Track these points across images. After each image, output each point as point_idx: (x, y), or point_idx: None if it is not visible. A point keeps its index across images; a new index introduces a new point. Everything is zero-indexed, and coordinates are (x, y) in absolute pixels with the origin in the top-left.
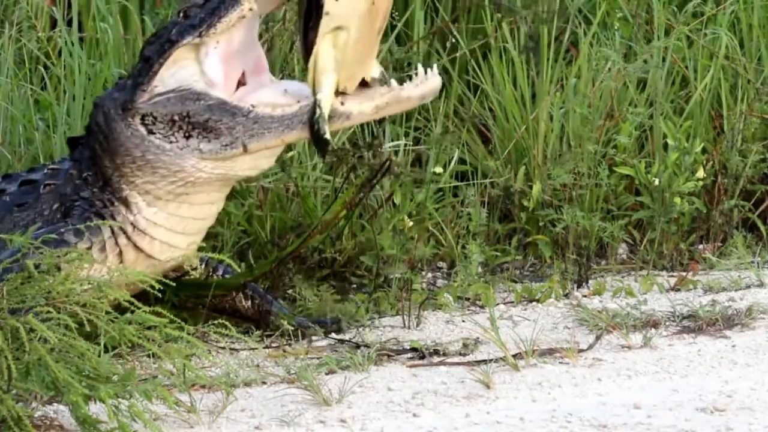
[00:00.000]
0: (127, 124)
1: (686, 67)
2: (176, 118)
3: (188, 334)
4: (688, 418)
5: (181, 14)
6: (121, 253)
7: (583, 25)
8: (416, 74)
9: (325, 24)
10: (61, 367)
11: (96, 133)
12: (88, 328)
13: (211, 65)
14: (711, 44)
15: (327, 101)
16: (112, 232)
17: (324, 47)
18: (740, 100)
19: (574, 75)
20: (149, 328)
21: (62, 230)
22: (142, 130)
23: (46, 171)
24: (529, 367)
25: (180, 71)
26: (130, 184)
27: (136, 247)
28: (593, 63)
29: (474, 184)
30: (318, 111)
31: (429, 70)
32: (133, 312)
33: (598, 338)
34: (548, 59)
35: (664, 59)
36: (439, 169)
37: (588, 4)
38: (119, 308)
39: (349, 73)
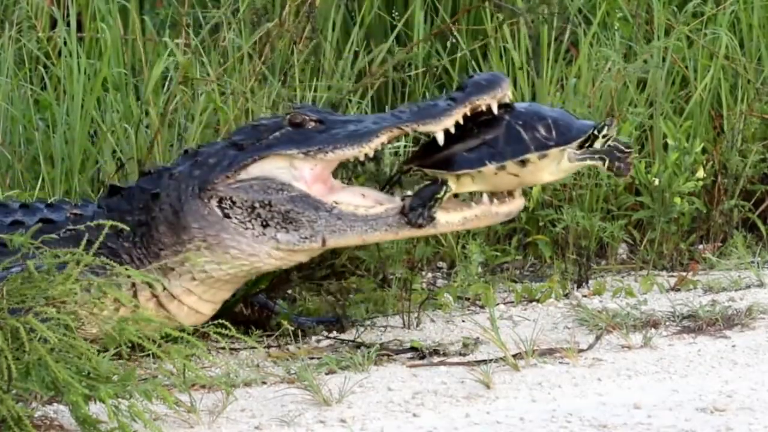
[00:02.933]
0: (204, 204)
1: (686, 67)
2: (257, 205)
3: (188, 334)
4: (688, 418)
5: (288, 119)
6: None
7: (583, 25)
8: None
9: (478, 176)
10: (61, 367)
11: (161, 204)
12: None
13: (300, 167)
14: (711, 44)
15: (445, 195)
16: (133, 285)
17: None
18: (740, 100)
19: (574, 75)
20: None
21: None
22: (218, 212)
23: (68, 215)
24: (529, 367)
25: (269, 166)
26: (180, 257)
27: (159, 304)
28: (593, 63)
29: None
30: (441, 193)
31: (516, 192)
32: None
33: (598, 338)
34: (548, 59)
35: (664, 59)
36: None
37: (588, 4)
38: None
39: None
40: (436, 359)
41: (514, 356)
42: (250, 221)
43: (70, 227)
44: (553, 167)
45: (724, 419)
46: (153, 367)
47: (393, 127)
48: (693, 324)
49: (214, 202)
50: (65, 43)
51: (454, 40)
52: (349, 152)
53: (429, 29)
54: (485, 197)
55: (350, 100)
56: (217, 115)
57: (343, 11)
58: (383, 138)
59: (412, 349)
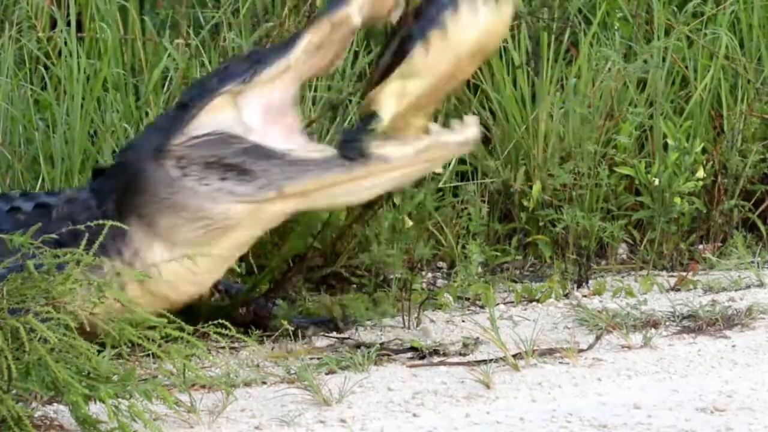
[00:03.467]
0: (160, 165)
1: (686, 67)
2: (212, 160)
3: (188, 334)
4: (688, 418)
5: (223, 66)
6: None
7: (583, 25)
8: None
9: (406, 69)
10: (61, 367)
11: (123, 172)
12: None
13: (249, 113)
14: (711, 44)
15: (381, 124)
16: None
17: (395, 86)
18: (740, 100)
19: (574, 75)
20: (149, 328)
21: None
22: (176, 172)
23: (61, 196)
24: (529, 367)
25: (218, 116)
26: (147, 226)
27: (141, 284)
28: (593, 63)
29: (474, 183)
30: (372, 124)
31: (467, 118)
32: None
33: (598, 338)
34: (548, 59)
35: (664, 59)
36: (439, 169)
37: (588, 4)
38: None
39: (403, 119)
40: (436, 359)
41: (514, 356)
42: (207, 176)
43: (63, 208)
44: (474, 18)
45: (724, 419)
46: (153, 367)
47: (311, 28)
48: (693, 324)
49: (171, 163)
50: (65, 43)
51: None
52: (278, 63)
53: None
54: (435, 126)
55: (350, 101)
56: None
57: None
58: (305, 39)
59: (412, 349)
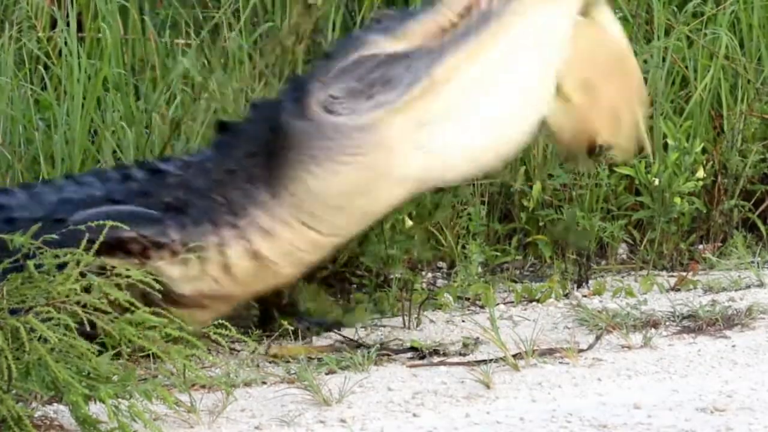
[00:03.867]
0: (305, 114)
1: (686, 67)
2: (353, 85)
3: (188, 334)
4: (688, 418)
5: (374, 22)
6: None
7: None
8: None
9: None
10: (61, 367)
11: (259, 129)
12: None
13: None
14: (711, 44)
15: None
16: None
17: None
18: (740, 100)
19: None
20: (149, 328)
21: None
22: (324, 115)
23: (176, 162)
24: (529, 367)
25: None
26: (284, 187)
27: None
28: None
29: (474, 184)
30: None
31: None
32: (133, 312)
33: (598, 338)
34: None
35: (664, 59)
36: None
37: None
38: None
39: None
40: (436, 359)
41: (514, 356)
42: (356, 103)
43: (179, 173)
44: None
45: (724, 419)
46: (153, 367)
47: None
48: (693, 324)
49: (319, 108)
50: (65, 43)
51: None
52: (429, 17)
53: None
54: None
55: None
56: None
57: (343, 11)
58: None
59: (412, 349)
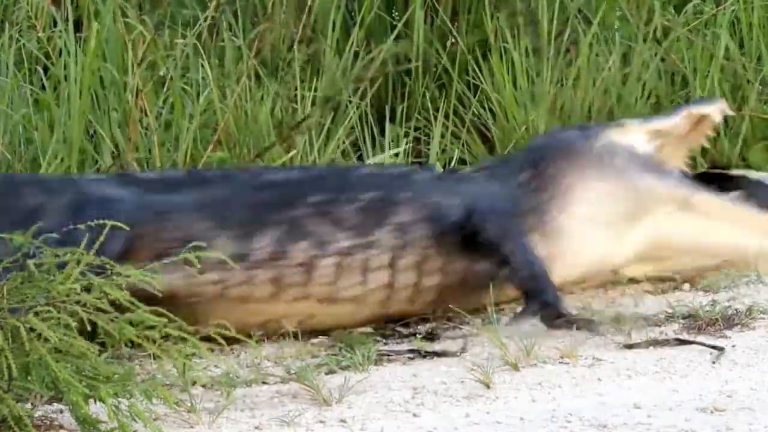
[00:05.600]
0: (588, 145)
1: (686, 68)
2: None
3: (188, 333)
4: (688, 418)
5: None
6: None
7: (582, 25)
8: None
9: None
10: (61, 366)
11: (548, 148)
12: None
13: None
14: (711, 44)
15: None
16: None
17: None
18: (740, 100)
19: (574, 75)
20: (149, 328)
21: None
22: (602, 151)
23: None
24: (529, 367)
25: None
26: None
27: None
28: (593, 63)
29: None
30: None
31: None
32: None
33: (598, 338)
34: (548, 59)
35: (663, 59)
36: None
37: (588, 4)
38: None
39: None
40: (436, 359)
41: (514, 356)
42: (629, 163)
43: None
44: None
45: (724, 419)
46: (153, 367)
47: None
48: (693, 324)
49: (596, 144)
50: (65, 44)
51: (453, 40)
52: (662, 121)
53: (429, 29)
54: None
55: (350, 101)
56: (216, 116)
57: (343, 11)
58: (683, 112)
59: (412, 349)
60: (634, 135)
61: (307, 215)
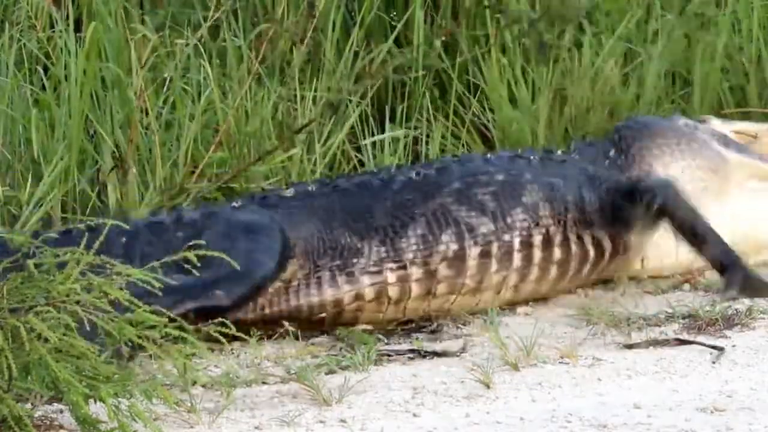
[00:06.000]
0: (675, 123)
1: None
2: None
3: (189, 333)
4: (688, 418)
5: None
6: None
7: (582, 25)
8: None
9: None
10: (61, 366)
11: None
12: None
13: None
14: (711, 44)
15: None
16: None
17: None
18: (740, 100)
19: (574, 75)
20: (149, 327)
21: None
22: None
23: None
24: (529, 367)
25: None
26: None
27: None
28: (593, 63)
29: None
30: None
31: None
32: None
33: (598, 338)
34: (548, 59)
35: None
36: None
37: (588, 5)
38: None
39: None
40: (436, 359)
41: (514, 356)
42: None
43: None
44: None
45: (724, 419)
46: (153, 367)
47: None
48: (693, 324)
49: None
50: (65, 43)
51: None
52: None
53: (429, 29)
54: None
55: (350, 101)
56: (216, 116)
57: (343, 11)
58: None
59: (412, 349)
60: (713, 121)
61: None
